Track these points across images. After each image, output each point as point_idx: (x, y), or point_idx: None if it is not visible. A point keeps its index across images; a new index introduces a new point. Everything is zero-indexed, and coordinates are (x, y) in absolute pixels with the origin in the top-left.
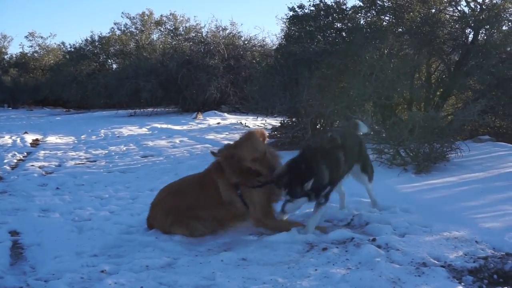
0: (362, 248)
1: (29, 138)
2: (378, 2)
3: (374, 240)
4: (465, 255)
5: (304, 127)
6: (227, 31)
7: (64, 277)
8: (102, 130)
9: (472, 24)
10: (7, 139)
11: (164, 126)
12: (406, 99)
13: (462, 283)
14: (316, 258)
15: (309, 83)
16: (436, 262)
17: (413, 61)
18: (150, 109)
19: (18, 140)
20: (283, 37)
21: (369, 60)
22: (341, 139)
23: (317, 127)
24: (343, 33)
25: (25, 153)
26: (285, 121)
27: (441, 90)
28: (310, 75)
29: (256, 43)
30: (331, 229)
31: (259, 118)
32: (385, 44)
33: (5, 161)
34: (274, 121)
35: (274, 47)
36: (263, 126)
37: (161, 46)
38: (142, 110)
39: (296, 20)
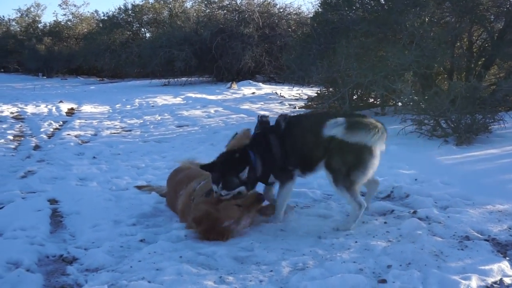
0: (402, 221)
1: (64, 107)
2: None
3: (415, 212)
4: (510, 228)
5: (342, 97)
6: None
7: (104, 245)
8: (137, 100)
9: None
10: (43, 108)
11: (199, 95)
12: (446, 69)
13: (507, 258)
14: (355, 230)
15: (347, 52)
16: (480, 236)
17: (454, 29)
18: (184, 79)
19: (54, 109)
20: (319, 4)
21: (409, 28)
22: (288, 125)
23: (354, 97)
24: (382, 0)
25: (61, 122)
26: (322, 91)
27: (483, 59)
28: (348, 44)
29: (292, 11)
30: (371, 200)
31: (295, 88)
32: (426, 11)
33: (42, 130)
34: (310, 91)
35: (310, 15)
36: (299, 95)
37: (194, 14)
38: (176, 79)
39: None
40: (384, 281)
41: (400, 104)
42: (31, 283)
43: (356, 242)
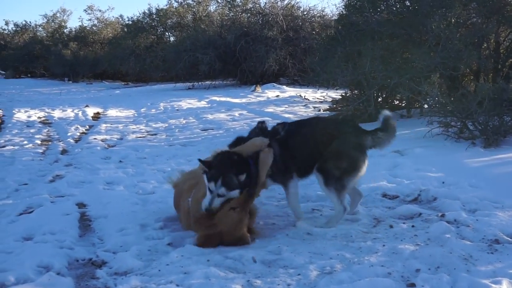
0: (430, 224)
1: (90, 111)
2: None
3: (443, 216)
4: None
5: (367, 100)
6: (286, 2)
7: (132, 249)
8: (161, 103)
9: None
10: (70, 113)
11: (223, 99)
12: (473, 70)
13: None
14: (383, 234)
15: (372, 54)
16: (510, 240)
17: (481, 30)
18: (208, 82)
19: (80, 113)
20: (344, 6)
21: (435, 30)
22: (288, 132)
23: (379, 99)
24: (407, 2)
25: (87, 126)
26: (347, 94)
27: (511, 60)
28: (373, 46)
29: (315, 13)
30: (397, 204)
31: (319, 91)
32: (452, 13)
33: (69, 134)
34: (334, 94)
35: (334, 18)
36: (323, 98)
37: (218, 18)
38: (200, 83)
39: None
40: (413, 285)
41: (426, 106)
42: (62, 286)
43: (383, 245)
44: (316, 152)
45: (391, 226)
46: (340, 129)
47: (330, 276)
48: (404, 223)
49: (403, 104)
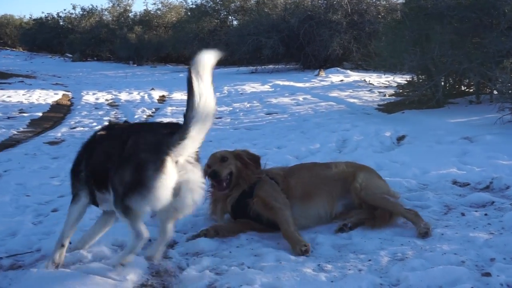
0: (504, 213)
1: (156, 94)
2: None
3: None
4: None
5: (435, 85)
6: None
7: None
8: (225, 87)
9: None
10: (136, 95)
11: (286, 83)
12: None
13: None
14: (454, 221)
15: (441, 39)
16: None
17: None
18: (271, 66)
19: (146, 96)
20: None
21: (507, 14)
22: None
23: (446, 85)
24: None
25: (154, 109)
26: (413, 79)
27: None
28: (442, 30)
29: None
30: (468, 191)
31: (384, 76)
32: None
33: (136, 116)
34: (400, 79)
35: (401, 1)
36: (388, 83)
37: (282, 1)
38: (263, 67)
39: None
40: (488, 274)
41: (496, 92)
42: (137, 265)
43: (456, 233)
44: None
45: (462, 214)
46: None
47: (402, 262)
48: (476, 211)
49: (472, 90)
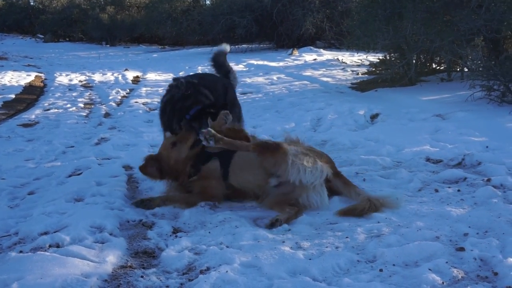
0: (476, 189)
1: (130, 75)
2: None
3: (489, 180)
4: None
5: (407, 63)
6: None
7: (181, 211)
8: (199, 67)
9: None
10: (110, 76)
11: (260, 62)
12: None
13: None
14: (428, 198)
15: (413, 17)
16: None
17: None
18: (244, 46)
19: (120, 77)
20: None
21: None
22: None
23: (418, 63)
24: None
25: (128, 90)
26: (386, 57)
27: None
28: (414, 9)
29: None
30: (441, 168)
31: (357, 54)
32: None
33: (110, 97)
34: (372, 57)
35: None
36: (361, 62)
37: None
38: (236, 46)
39: None
40: (462, 249)
41: (466, 70)
42: (116, 246)
43: (430, 209)
44: None
45: (436, 190)
46: None
47: (378, 239)
48: (449, 187)
49: (443, 68)
